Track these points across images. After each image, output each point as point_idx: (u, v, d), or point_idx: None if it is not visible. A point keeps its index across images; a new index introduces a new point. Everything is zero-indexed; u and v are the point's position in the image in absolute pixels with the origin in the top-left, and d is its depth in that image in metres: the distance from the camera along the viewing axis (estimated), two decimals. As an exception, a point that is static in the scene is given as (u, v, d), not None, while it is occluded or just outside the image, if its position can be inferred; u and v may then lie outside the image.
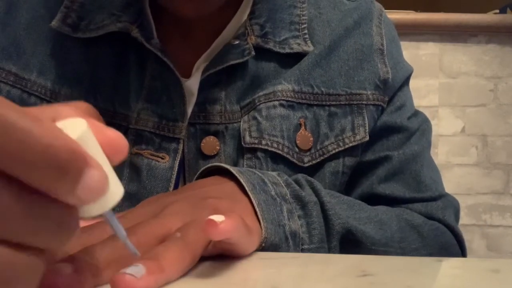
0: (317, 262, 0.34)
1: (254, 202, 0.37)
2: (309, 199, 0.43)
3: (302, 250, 0.40)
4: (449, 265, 0.35)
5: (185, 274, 0.29)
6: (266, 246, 0.36)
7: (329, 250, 0.43)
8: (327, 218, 0.43)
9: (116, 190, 0.22)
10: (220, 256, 0.32)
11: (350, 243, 0.44)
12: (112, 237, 0.28)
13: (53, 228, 0.19)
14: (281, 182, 0.43)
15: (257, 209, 0.37)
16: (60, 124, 0.21)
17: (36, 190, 0.18)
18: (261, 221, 0.36)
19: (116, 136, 0.23)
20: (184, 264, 0.29)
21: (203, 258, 0.31)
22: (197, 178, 0.43)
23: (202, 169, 0.43)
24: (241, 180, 0.38)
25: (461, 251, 0.56)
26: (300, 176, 0.46)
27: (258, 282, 0.29)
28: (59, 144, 0.18)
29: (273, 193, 0.40)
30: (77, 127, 0.21)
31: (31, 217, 0.18)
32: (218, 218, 0.28)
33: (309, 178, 0.46)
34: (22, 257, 0.18)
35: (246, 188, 0.38)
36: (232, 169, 0.40)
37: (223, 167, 0.41)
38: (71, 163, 0.19)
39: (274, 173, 0.44)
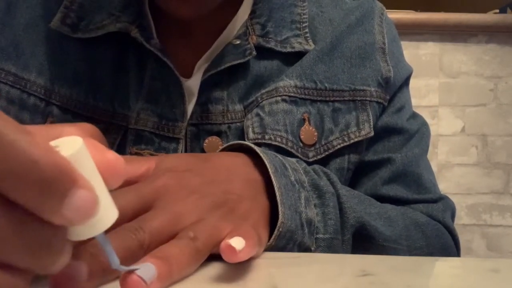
0: (317, 262, 0.34)
1: (275, 185, 0.37)
2: (327, 189, 0.43)
3: (317, 240, 0.41)
4: (449, 264, 0.35)
5: (185, 274, 0.29)
6: (283, 232, 0.36)
7: (342, 243, 0.43)
8: (343, 211, 0.43)
9: (109, 213, 0.21)
10: (220, 256, 0.32)
11: (362, 237, 0.44)
12: (124, 233, 0.28)
13: (37, 248, 0.18)
14: (300, 169, 0.43)
15: (276, 193, 0.37)
16: (56, 142, 0.20)
17: (21, 208, 0.18)
18: (279, 205, 0.37)
19: (114, 159, 0.22)
20: (192, 268, 0.29)
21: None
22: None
23: (225, 145, 0.43)
24: (265, 161, 0.38)
25: (457, 252, 0.56)
26: (317, 166, 0.46)
27: (258, 282, 0.29)
28: (46, 160, 0.17)
29: (292, 178, 0.40)
30: (73, 145, 0.20)
31: (14, 234, 0.18)
32: (238, 245, 0.29)
33: (325, 169, 0.46)
34: (4, 277, 0.18)
35: (269, 171, 0.38)
36: (257, 149, 0.40)
37: (248, 146, 0.41)
38: (58, 181, 0.18)
39: (294, 160, 0.44)
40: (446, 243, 0.54)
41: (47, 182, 0.18)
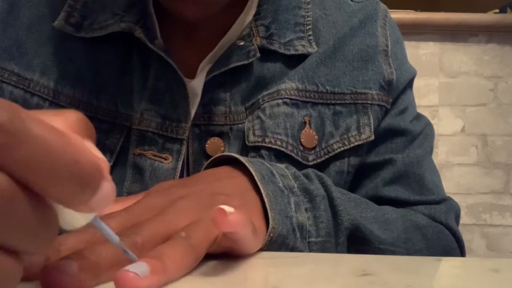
0: (317, 261, 0.34)
1: (262, 192, 0.37)
2: (317, 193, 0.42)
3: (309, 243, 0.40)
4: (449, 264, 0.35)
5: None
6: (274, 237, 0.36)
7: (337, 246, 0.43)
8: (336, 214, 0.43)
9: None
10: (220, 256, 0.32)
11: (358, 240, 0.44)
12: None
13: (36, 231, 0.19)
14: (289, 174, 0.43)
15: (265, 200, 0.37)
16: None
17: (31, 196, 0.19)
18: (268, 211, 0.36)
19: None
20: (188, 265, 0.28)
21: (203, 257, 0.31)
22: (206, 168, 0.43)
23: (212, 158, 0.43)
24: (251, 170, 0.38)
25: (461, 255, 0.56)
26: (310, 170, 0.46)
27: (258, 282, 0.29)
28: (85, 160, 0.19)
29: (280, 185, 0.40)
30: None
31: (25, 219, 0.19)
32: (228, 208, 0.28)
33: (319, 173, 0.46)
34: (7, 260, 0.19)
35: (256, 178, 0.38)
36: (242, 159, 0.40)
37: (233, 156, 0.41)
38: (93, 177, 0.20)
39: (283, 166, 0.44)
40: (448, 245, 0.53)
41: (85, 179, 0.20)
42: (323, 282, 0.29)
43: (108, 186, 0.21)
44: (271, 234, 0.36)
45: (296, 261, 0.34)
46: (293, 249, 0.38)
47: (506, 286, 0.29)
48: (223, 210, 0.28)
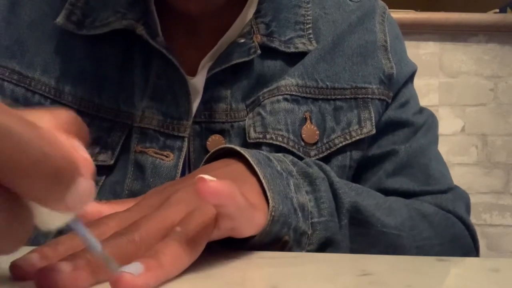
0: (317, 261, 0.35)
1: (260, 174, 0.37)
2: (317, 175, 0.42)
3: (312, 224, 0.40)
4: (449, 264, 0.35)
5: (184, 272, 0.28)
6: (276, 216, 0.35)
7: (340, 229, 0.42)
8: (337, 197, 0.42)
9: None
10: (220, 256, 0.32)
11: (360, 223, 0.43)
12: (114, 236, 0.28)
13: (6, 229, 0.19)
14: (287, 161, 0.42)
15: (263, 181, 0.36)
16: None
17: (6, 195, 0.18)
18: (267, 191, 0.36)
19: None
20: (185, 260, 0.28)
21: (202, 257, 0.31)
22: (205, 164, 0.42)
23: (209, 154, 0.43)
24: (246, 155, 0.38)
25: (474, 243, 0.54)
26: (308, 159, 0.46)
27: (258, 282, 0.29)
28: (56, 153, 0.18)
29: (278, 168, 0.40)
30: None
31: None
32: (208, 177, 0.28)
33: (317, 161, 0.46)
34: None
35: (252, 162, 0.37)
36: (237, 147, 0.39)
37: (228, 148, 0.40)
38: (66, 172, 0.19)
39: (280, 154, 0.43)
40: (457, 233, 0.52)
41: (56, 173, 0.18)
42: (323, 282, 0.29)
43: (85, 183, 0.20)
44: (273, 213, 0.35)
45: (296, 261, 0.34)
46: (296, 229, 0.38)
47: (506, 286, 0.29)
48: (202, 178, 0.27)
